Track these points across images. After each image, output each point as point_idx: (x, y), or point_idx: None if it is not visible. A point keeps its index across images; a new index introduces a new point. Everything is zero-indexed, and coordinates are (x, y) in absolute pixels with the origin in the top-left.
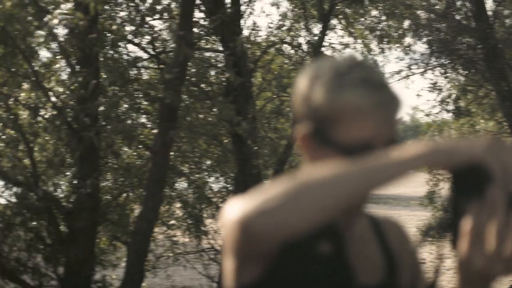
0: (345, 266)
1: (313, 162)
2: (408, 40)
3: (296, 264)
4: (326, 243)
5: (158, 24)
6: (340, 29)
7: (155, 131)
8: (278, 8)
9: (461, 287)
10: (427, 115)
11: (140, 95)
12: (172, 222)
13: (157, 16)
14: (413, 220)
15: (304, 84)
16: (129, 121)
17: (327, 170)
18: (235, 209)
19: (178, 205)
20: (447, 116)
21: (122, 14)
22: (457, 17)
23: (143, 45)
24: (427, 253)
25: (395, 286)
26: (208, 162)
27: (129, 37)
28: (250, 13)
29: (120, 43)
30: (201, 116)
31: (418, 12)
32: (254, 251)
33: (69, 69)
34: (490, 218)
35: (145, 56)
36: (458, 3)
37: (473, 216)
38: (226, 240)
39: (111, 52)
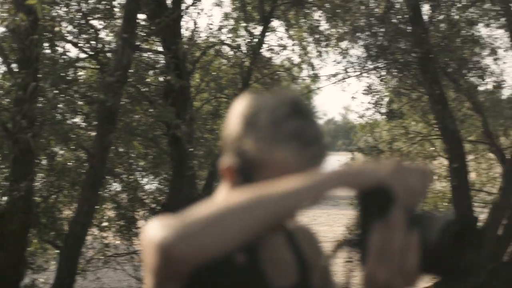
0: (260, 274)
1: (231, 190)
2: (345, 43)
3: (213, 276)
4: (241, 253)
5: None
6: (280, 32)
7: (93, 133)
8: (221, 8)
9: None
10: (360, 116)
11: (78, 97)
12: (104, 224)
13: (99, 15)
14: (342, 219)
15: (238, 125)
16: (68, 123)
17: (245, 196)
18: (156, 231)
19: (110, 206)
20: (380, 118)
21: (61, 13)
22: (394, 21)
23: (81, 44)
24: (338, 267)
25: (308, 287)
26: (143, 164)
27: (69, 37)
28: (192, 14)
29: (59, 43)
30: (138, 117)
31: (357, 15)
32: (172, 272)
33: (5, 69)
34: (392, 236)
35: (83, 56)
36: (396, 8)
37: (378, 234)
38: (146, 259)
39: (49, 52)
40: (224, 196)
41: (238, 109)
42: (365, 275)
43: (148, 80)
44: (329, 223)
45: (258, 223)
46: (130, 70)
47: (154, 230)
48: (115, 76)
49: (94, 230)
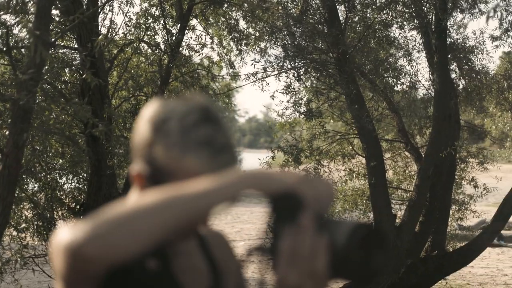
0: (172, 280)
1: (141, 195)
2: (264, 43)
3: (124, 282)
4: (152, 259)
5: (10, 19)
6: (199, 30)
7: (6, 132)
8: (139, 6)
9: None
10: (280, 115)
11: None
12: (23, 225)
13: (11, 10)
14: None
15: (148, 131)
16: None
17: (157, 196)
18: (64, 234)
19: (28, 206)
20: (299, 117)
21: None
22: (311, 22)
23: None
24: (251, 272)
25: None
26: (61, 162)
27: None
28: (109, 11)
29: None
30: (54, 115)
31: (275, 15)
32: (83, 275)
33: None
34: (302, 240)
35: None
36: (313, 9)
37: (288, 238)
38: (56, 265)
39: None
40: (135, 200)
41: (148, 115)
42: (276, 279)
43: (64, 77)
44: (253, 220)
45: (169, 223)
46: (45, 68)
47: (63, 234)
48: (29, 74)
49: (12, 231)
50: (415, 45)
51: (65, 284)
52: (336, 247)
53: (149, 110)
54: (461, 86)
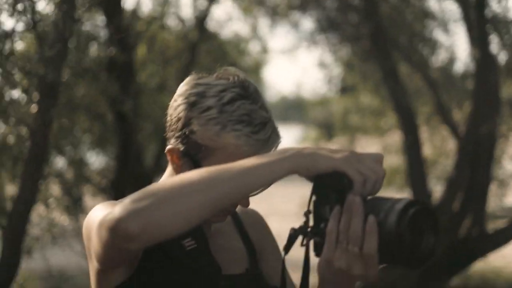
0: (209, 260)
1: (177, 174)
2: (295, 16)
3: (161, 262)
4: (189, 239)
5: None
6: (228, 4)
7: (34, 108)
8: None
9: None
10: (313, 91)
11: (16, 70)
12: (50, 201)
13: None
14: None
15: (184, 107)
16: (6, 98)
17: (201, 172)
18: (104, 212)
19: (56, 184)
20: (332, 93)
21: None
22: None
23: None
24: (292, 253)
25: (257, 274)
26: (89, 140)
27: (3, 7)
28: None
29: None
30: (82, 92)
31: None
32: (121, 253)
33: None
34: (350, 221)
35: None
36: None
37: (334, 220)
38: (91, 244)
39: None
40: (171, 178)
41: (183, 91)
42: (322, 261)
43: (91, 53)
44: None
45: (213, 201)
46: (71, 43)
47: (100, 211)
48: (54, 50)
49: (40, 208)
50: (453, 17)
51: (99, 264)
52: (386, 227)
53: (184, 86)
54: (502, 60)
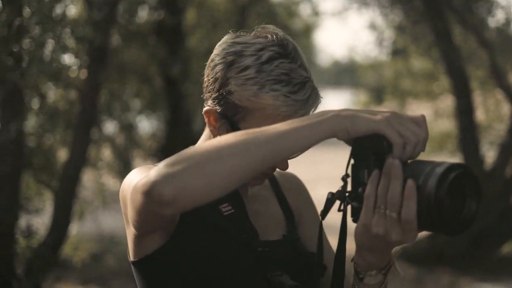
0: (246, 225)
1: (215, 135)
2: None
3: (198, 228)
4: (226, 204)
5: None
6: None
7: (83, 72)
8: None
9: (361, 254)
10: (364, 56)
11: (66, 35)
12: (101, 165)
13: None
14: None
15: (221, 67)
16: (55, 63)
17: (239, 135)
18: (139, 176)
19: (107, 148)
20: (384, 56)
21: None
22: None
23: None
24: (331, 218)
25: (295, 240)
26: (138, 104)
27: None
28: None
29: None
30: (131, 56)
31: None
32: (157, 218)
33: None
34: (389, 185)
35: None
36: None
37: (373, 184)
38: (127, 209)
39: None
40: (209, 140)
41: (220, 50)
42: (360, 226)
43: (140, 17)
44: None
45: (249, 165)
46: (119, 7)
47: (136, 176)
48: (102, 13)
49: (92, 172)
50: None
51: (136, 230)
52: (425, 192)
53: (222, 45)
54: None
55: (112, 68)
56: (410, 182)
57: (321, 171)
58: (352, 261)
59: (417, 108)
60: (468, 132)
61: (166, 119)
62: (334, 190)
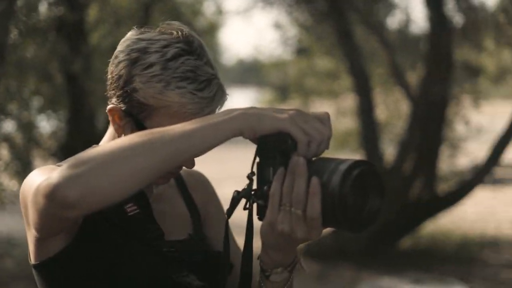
0: (151, 225)
1: (119, 134)
2: None
3: (102, 228)
4: (131, 204)
5: None
6: None
7: None
8: None
9: (266, 252)
10: (269, 55)
11: None
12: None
13: None
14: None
15: (125, 64)
16: None
17: (143, 135)
18: (41, 177)
19: (5, 148)
20: (288, 55)
21: None
22: None
23: None
24: (237, 219)
25: (201, 239)
26: (38, 102)
27: None
28: None
29: None
30: (30, 52)
31: None
32: (59, 221)
33: None
34: (294, 183)
35: None
36: None
37: (278, 182)
38: (28, 211)
39: None
40: (114, 140)
41: (124, 46)
42: (265, 224)
43: (40, 12)
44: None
45: (154, 165)
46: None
47: (38, 176)
48: (1, 6)
49: None
50: None
51: (37, 232)
52: (329, 189)
53: (126, 42)
54: (457, 23)
55: (10, 65)
56: (314, 180)
57: (228, 169)
58: (258, 259)
59: (321, 107)
60: (368, 129)
61: (67, 117)
62: (240, 189)
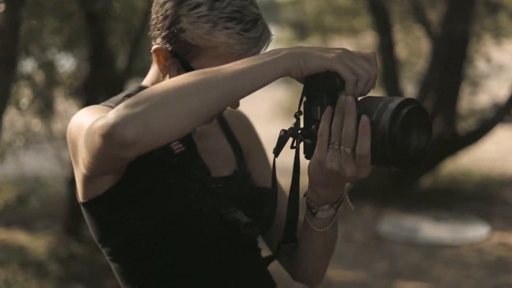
0: (197, 162)
1: (164, 74)
2: None
3: (149, 166)
4: (176, 142)
5: None
6: None
7: (1, 8)
8: None
9: (314, 190)
10: None
11: None
12: (21, 104)
13: None
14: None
15: (173, 6)
16: None
17: (196, 75)
18: (91, 117)
19: (27, 87)
20: None
21: None
22: None
23: None
24: (282, 155)
25: (245, 175)
26: (58, 42)
27: None
28: None
29: None
30: None
31: None
32: (114, 161)
33: None
34: (342, 122)
35: None
36: None
37: (326, 121)
38: (78, 150)
39: None
40: (157, 79)
41: None
42: (313, 163)
43: None
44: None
45: (212, 102)
46: None
47: (88, 116)
48: None
49: (12, 113)
50: None
51: (88, 171)
52: (379, 127)
53: None
54: None
55: (29, 4)
56: (365, 118)
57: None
58: (304, 196)
59: (340, 44)
60: (389, 67)
61: (87, 57)
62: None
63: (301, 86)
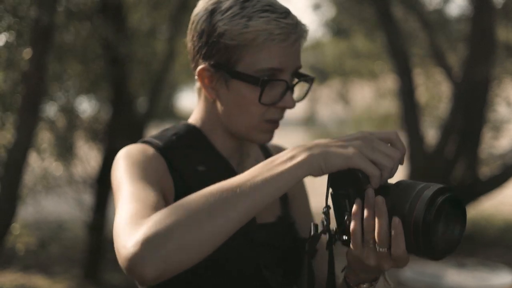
0: None
1: (212, 97)
2: None
3: None
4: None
5: None
6: None
7: (28, 53)
8: None
9: (353, 271)
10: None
11: (6, 13)
12: (43, 149)
13: None
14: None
15: (206, 19)
16: None
17: (213, 196)
18: (126, 206)
19: (48, 131)
20: (326, 36)
21: None
22: None
23: None
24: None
25: (290, 223)
26: (80, 85)
27: None
28: None
29: None
30: (72, 35)
31: None
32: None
33: None
34: (372, 220)
35: None
36: None
37: (357, 219)
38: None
39: None
40: (204, 112)
41: (201, 8)
42: (350, 256)
43: None
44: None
45: (233, 222)
46: None
47: (128, 181)
48: None
49: (32, 156)
50: None
51: None
52: (413, 217)
53: (199, 4)
54: (498, 3)
55: (55, 48)
56: (396, 219)
57: None
58: (342, 271)
59: (360, 88)
60: (409, 111)
61: (108, 100)
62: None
63: None
